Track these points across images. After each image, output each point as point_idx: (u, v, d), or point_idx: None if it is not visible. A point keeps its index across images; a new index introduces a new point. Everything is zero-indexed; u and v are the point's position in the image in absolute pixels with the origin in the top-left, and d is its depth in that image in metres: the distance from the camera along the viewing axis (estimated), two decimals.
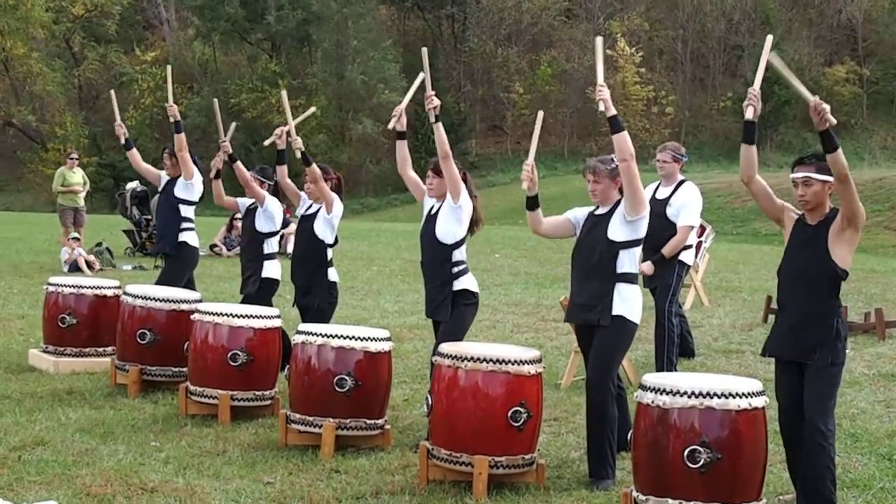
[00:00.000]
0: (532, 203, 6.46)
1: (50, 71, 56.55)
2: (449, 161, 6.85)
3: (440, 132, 6.87)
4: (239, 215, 9.40)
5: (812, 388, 5.36)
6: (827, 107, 5.08)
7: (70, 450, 6.55)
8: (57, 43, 60.81)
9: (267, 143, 8.50)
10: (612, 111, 6.04)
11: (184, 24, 64.37)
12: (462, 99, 59.26)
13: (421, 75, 7.20)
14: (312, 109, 8.48)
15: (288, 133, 8.24)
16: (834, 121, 5.10)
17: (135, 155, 10.30)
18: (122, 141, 10.31)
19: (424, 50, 7.43)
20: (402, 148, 7.39)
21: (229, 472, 6.22)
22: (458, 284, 6.93)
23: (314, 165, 8.07)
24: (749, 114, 5.43)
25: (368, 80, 53.68)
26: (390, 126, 7.33)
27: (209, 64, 60.78)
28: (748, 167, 5.55)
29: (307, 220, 8.14)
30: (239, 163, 8.95)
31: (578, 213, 6.57)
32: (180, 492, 5.79)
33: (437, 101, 6.93)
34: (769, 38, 5.57)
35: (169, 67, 10.72)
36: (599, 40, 6.42)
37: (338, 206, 8.12)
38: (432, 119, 6.93)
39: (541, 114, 6.74)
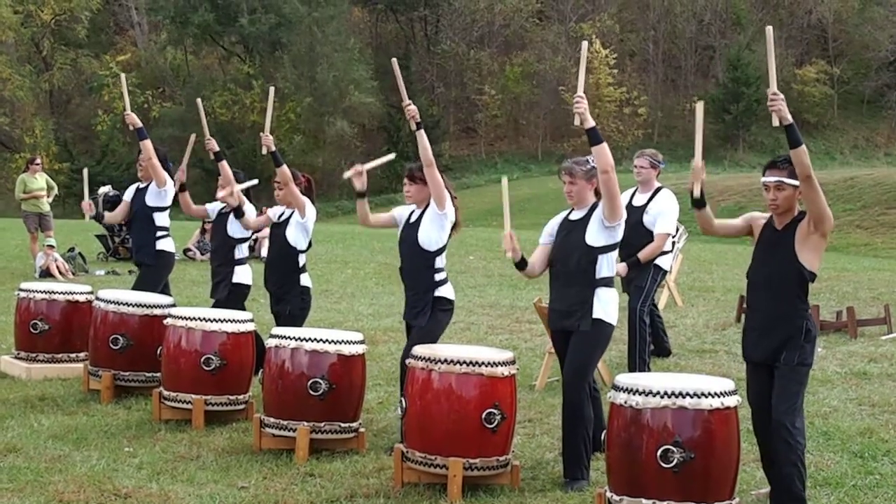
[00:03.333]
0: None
1: (18, 77, 55.98)
2: (433, 169, 6.75)
3: (423, 140, 6.74)
4: (210, 218, 9.33)
5: (779, 387, 5.41)
6: (782, 98, 5.05)
7: (42, 456, 6.51)
8: (26, 47, 60.26)
9: (265, 151, 8.27)
10: (590, 123, 5.90)
11: (155, 27, 64.07)
12: (435, 101, 59.32)
13: (386, 158, 7.41)
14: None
15: (263, 131, 8.11)
16: (788, 116, 5.06)
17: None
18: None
19: (394, 60, 7.44)
20: (362, 206, 7.42)
21: (203, 477, 6.20)
22: (438, 292, 6.92)
23: (285, 167, 8.00)
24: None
25: (339, 82, 53.62)
26: (344, 176, 7.34)
27: (181, 68, 60.50)
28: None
29: (279, 227, 8.10)
30: (224, 162, 8.88)
31: (552, 225, 6.46)
32: (154, 497, 5.77)
33: (414, 109, 6.84)
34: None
35: (123, 76, 10.61)
36: (585, 45, 6.30)
37: (310, 209, 8.09)
38: (413, 127, 6.83)
39: (505, 179, 6.34)
